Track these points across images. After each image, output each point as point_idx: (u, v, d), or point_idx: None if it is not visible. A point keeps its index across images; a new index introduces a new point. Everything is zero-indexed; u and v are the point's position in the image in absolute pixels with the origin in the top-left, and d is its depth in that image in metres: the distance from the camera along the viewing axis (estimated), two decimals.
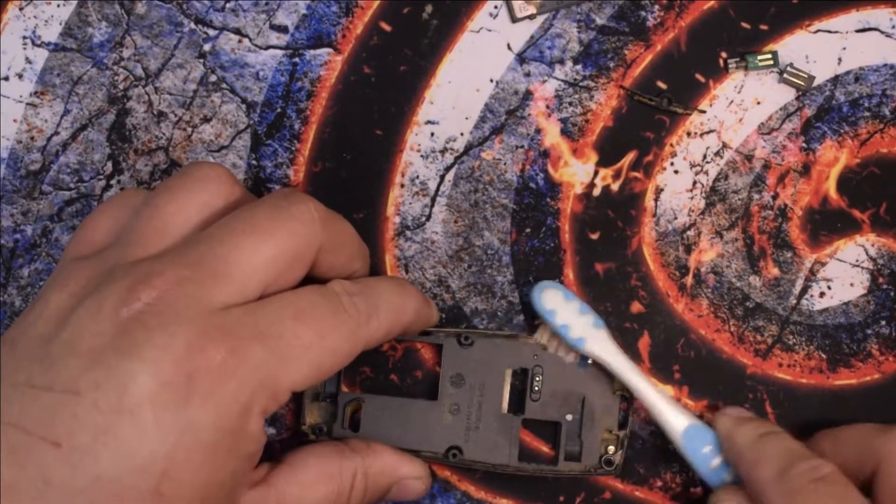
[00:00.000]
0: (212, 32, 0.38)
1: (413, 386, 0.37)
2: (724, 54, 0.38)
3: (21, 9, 0.38)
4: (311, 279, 0.31)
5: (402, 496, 0.34)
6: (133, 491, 0.25)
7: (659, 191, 0.38)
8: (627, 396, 0.36)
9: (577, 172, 0.38)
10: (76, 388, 0.25)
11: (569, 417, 0.36)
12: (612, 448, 0.35)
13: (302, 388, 0.28)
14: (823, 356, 0.37)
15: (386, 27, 0.38)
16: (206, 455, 0.26)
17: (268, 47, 0.38)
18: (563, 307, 0.35)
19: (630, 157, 0.38)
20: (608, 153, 0.38)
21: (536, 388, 0.35)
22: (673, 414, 0.35)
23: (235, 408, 0.26)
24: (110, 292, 0.27)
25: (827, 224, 0.38)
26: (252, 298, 0.28)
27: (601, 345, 0.35)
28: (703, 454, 0.34)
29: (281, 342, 0.27)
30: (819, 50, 0.38)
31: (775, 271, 0.38)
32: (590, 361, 0.36)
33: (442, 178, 0.38)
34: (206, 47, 0.38)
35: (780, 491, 0.31)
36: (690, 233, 0.38)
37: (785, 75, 0.38)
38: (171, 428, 0.25)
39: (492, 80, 0.38)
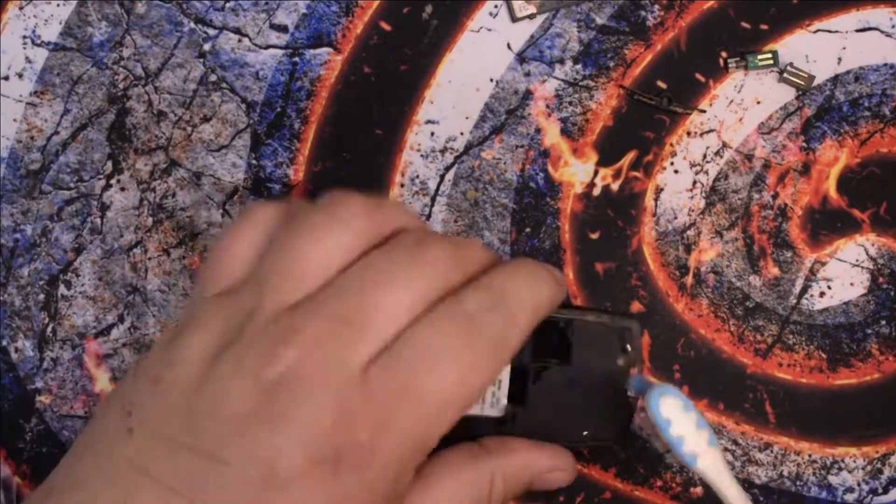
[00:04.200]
0: (212, 32, 0.38)
1: None
2: (724, 54, 0.38)
3: (21, 8, 0.38)
4: None
5: (546, 488, 0.33)
6: None
7: (659, 190, 0.38)
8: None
9: (577, 172, 0.38)
10: (224, 456, 0.25)
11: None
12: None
13: (449, 429, 0.27)
14: (823, 356, 0.37)
15: (386, 27, 0.38)
16: None
17: (268, 47, 0.38)
18: (680, 418, 0.31)
19: (630, 156, 0.38)
20: (608, 153, 0.38)
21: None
22: None
23: (388, 476, 0.26)
24: (250, 349, 0.26)
25: (827, 224, 0.38)
26: (389, 344, 0.27)
27: (714, 466, 0.32)
28: None
29: (424, 401, 0.26)
30: (819, 50, 0.38)
31: (775, 271, 0.38)
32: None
33: (442, 177, 0.38)
34: (206, 47, 0.38)
35: None
36: (690, 232, 0.38)
37: (785, 75, 0.38)
38: (322, 503, 0.25)
39: (492, 80, 0.38)
